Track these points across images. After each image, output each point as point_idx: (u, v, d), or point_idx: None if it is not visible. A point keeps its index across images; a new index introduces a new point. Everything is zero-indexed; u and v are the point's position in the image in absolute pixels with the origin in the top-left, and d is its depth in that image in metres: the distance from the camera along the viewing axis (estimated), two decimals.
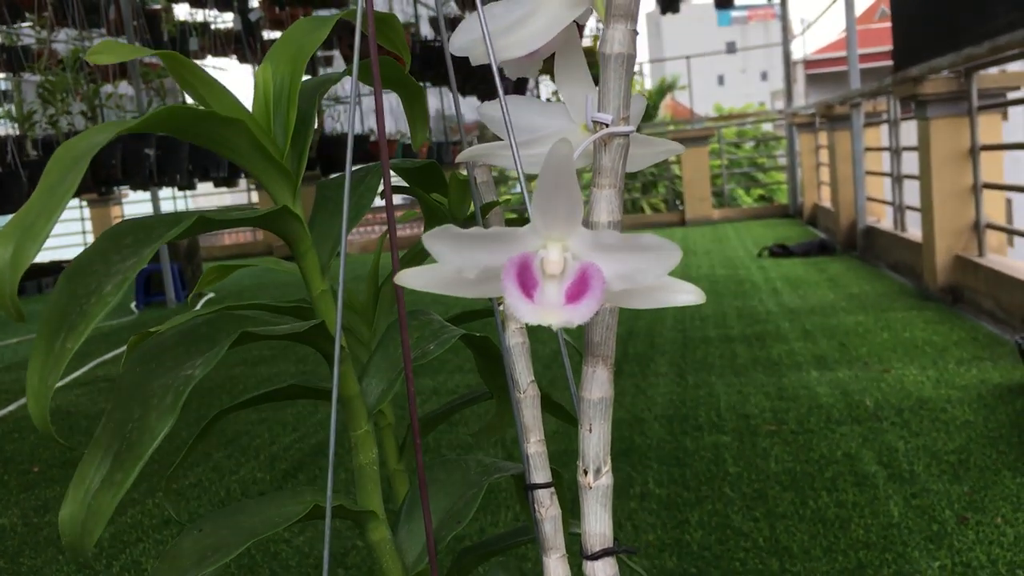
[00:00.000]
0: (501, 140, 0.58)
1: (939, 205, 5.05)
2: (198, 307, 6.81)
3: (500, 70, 0.55)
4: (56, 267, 9.85)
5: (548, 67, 0.62)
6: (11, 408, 4.39)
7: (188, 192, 9.21)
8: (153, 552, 2.59)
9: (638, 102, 0.55)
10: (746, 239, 9.11)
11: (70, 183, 0.45)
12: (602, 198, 0.50)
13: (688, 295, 0.46)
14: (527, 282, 0.43)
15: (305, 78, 0.67)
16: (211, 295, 7.94)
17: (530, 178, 0.58)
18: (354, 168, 0.68)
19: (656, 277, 0.43)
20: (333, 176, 0.72)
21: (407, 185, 0.73)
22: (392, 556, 0.66)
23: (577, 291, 0.43)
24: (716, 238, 9.54)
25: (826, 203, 8.97)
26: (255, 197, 12.53)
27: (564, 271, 0.44)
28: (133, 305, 7.77)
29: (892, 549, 2.21)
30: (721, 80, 37.29)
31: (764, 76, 36.62)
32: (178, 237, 0.51)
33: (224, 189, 11.07)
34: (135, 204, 12.11)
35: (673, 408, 3.48)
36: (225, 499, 2.96)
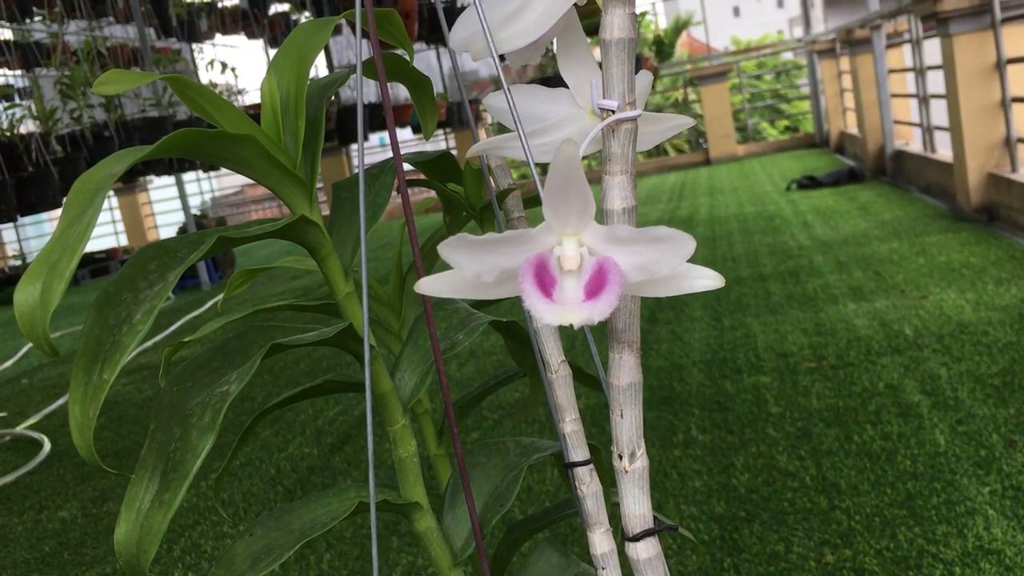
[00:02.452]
0: (509, 132, 0.58)
1: (968, 123, 4.95)
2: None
3: (502, 59, 0.55)
4: (89, 259, 9.98)
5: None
6: (60, 402, 4.48)
7: (211, 173, 9.26)
8: (211, 534, 2.65)
9: (643, 79, 0.55)
10: (773, 173, 9.00)
11: (90, 216, 0.46)
12: (615, 185, 0.50)
13: (707, 280, 0.46)
14: (545, 281, 0.44)
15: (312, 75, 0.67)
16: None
17: (541, 167, 0.58)
18: (367, 165, 0.68)
19: (672, 267, 0.43)
20: (348, 177, 0.72)
21: (423, 177, 0.73)
22: (440, 543, 0.67)
23: (596, 286, 0.43)
24: (742, 174, 9.44)
25: (852, 130, 8.83)
26: None
27: (581, 266, 0.44)
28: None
29: (940, 478, 2.21)
30: (736, 11, 36.59)
31: (780, 3, 35.88)
32: (200, 258, 0.52)
33: None
34: (161, 189, 12.20)
35: (711, 352, 3.48)
36: (276, 476, 3.01)
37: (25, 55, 7.11)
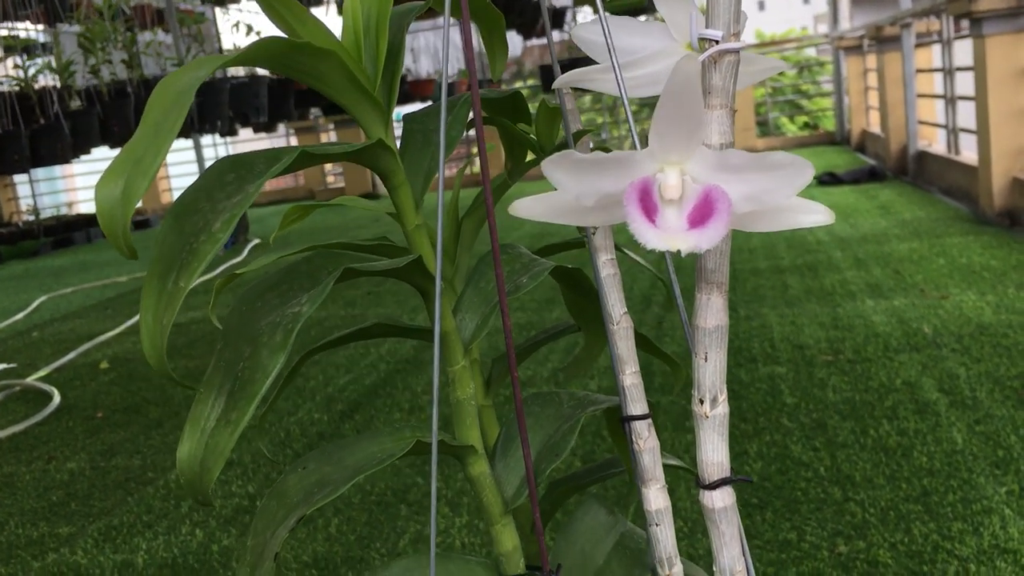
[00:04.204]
0: (597, 64, 0.56)
1: (995, 126, 4.91)
2: (243, 254, 6.84)
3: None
4: None
5: None
6: (71, 356, 4.49)
7: (229, 139, 9.24)
8: (219, 492, 2.65)
9: (744, 17, 0.53)
10: None
11: (175, 118, 0.44)
12: (714, 119, 0.48)
13: (818, 215, 0.44)
14: (649, 207, 0.42)
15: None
16: (257, 240, 8.02)
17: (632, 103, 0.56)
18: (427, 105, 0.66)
19: (786, 197, 0.42)
20: (420, 109, 0.70)
21: (489, 116, 0.71)
22: (492, 490, 0.66)
23: (701, 215, 0.42)
24: None
25: (875, 128, 8.77)
26: (294, 142, 12.55)
27: (684, 195, 0.42)
28: None
29: (957, 476, 2.19)
30: (761, 5, 36.35)
31: None
32: (280, 172, 0.50)
33: (263, 135, 11.11)
34: (177, 152, 12.18)
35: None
36: (285, 439, 3.01)
37: (48, 10, 7.08)
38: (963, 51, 5.68)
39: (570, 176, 0.42)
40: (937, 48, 6.53)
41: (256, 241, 7.99)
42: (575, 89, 0.63)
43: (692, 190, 0.42)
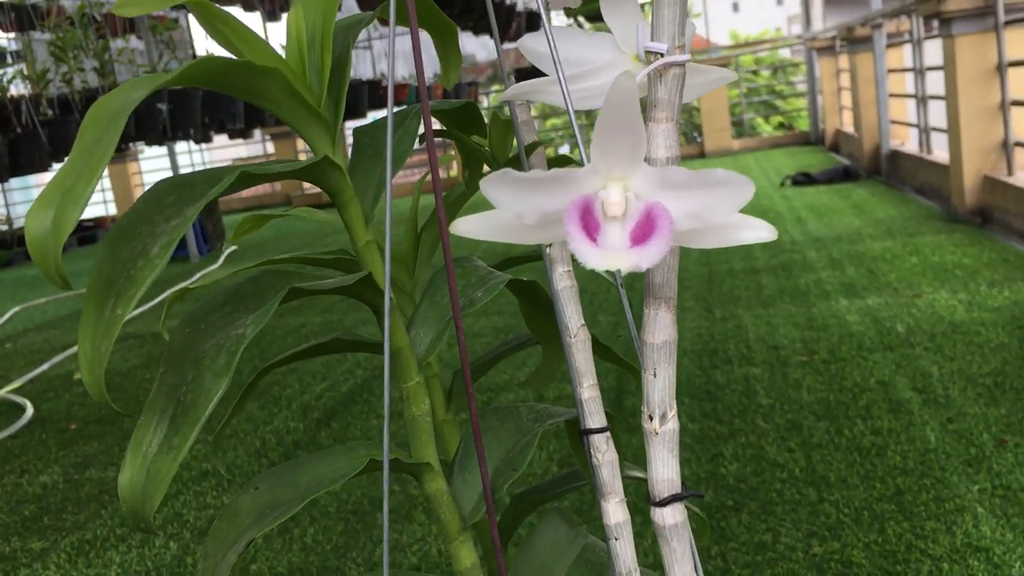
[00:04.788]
0: (546, 76, 0.55)
1: (966, 125, 4.95)
2: (220, 261, 6.81)
3: (546, 3, 0.53)
4: (77, 226, 9.88)
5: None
6: (44, 368, 4.44)
7: (204, 145, 9.18)
8: (194, 504, 2.63)
9: (690, 27, 0.52)
10: (768, 168, 9.00)
11: (107, 143, 0.43)
12: (659, 132, 0.47)
13: (760, 231, 0.44)
14: (590, 225, 0.41)
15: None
16: (234, 248, 7.97)
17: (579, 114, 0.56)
18: (394, 110, 0.66)
19: (727, 214, 0.41)
20: (371, 122, 0.69)
21: (444, 128, 0.71)
22: (449, 506, 0.65)
23: (643, 232, 0.41)
24: (737, 168, 9.39)
25: (848, 128, 8.83)
26: (270, 148, 12.49)
27: (627, 212, 0.42)
28: None
29: (930, 474, 2.20)
30: (736, 7, 36.54)
31: (779, 0, 35.83)
32: (222, 193, 0.49)
33: (239, 141, 11.04)
34: (152, 159, 12.10)
35: (702, 342, 3.47)
36: (261, 449, 2.99)
37: (20, 17, 7.01)
38: (933, 51, 5.73)
39: (510, 195, 0.41)
40: (908, 48, 6.59)
41: (233, 248, 7.94)
42: None
43: (634, 207, 0.42)
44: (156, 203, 0.49)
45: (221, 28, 0.53)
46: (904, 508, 2.07)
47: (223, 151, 14.23)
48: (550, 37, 0.51)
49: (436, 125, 0.74)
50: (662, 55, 0.46)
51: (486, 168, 0.71)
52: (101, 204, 11.72)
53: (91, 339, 0.45)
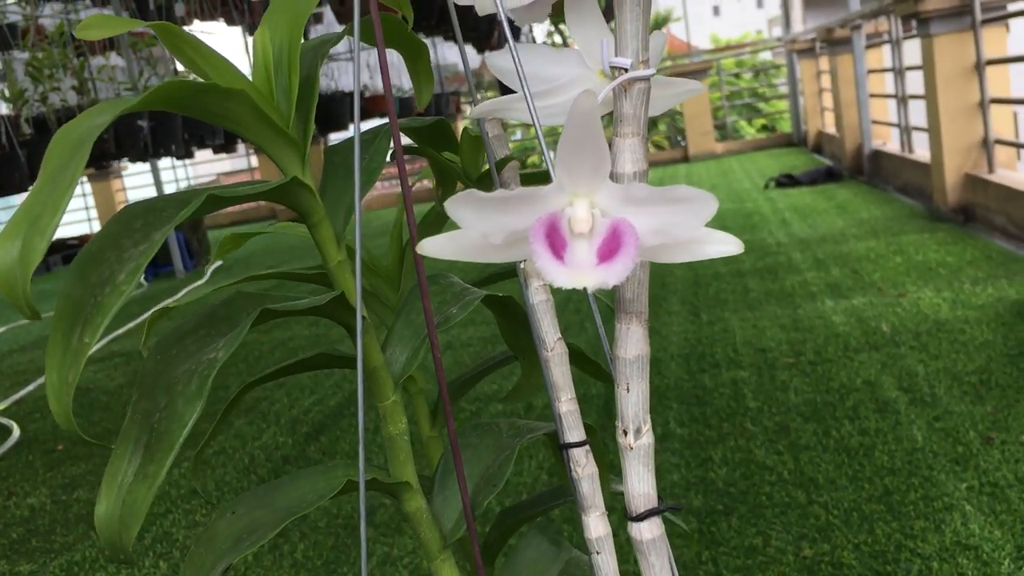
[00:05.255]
0: (511, 92, 0.55)
1: (946, 123, 4.98)
2: (206, 276, 6.78)
3: (509, 20, 0.53)
4: (61, 245, 9.83)
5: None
6: (30, 388, 4.41)
7: (187, 161, 9.15)
8: (183, 522, 2.61)
9: (657, 39, 0.52)
10: (751, 171, 9.03)
11: (73, 170, 0.43)
12: (626, 148, 0.47)
13: (727, 245, 0.44)
14: (556, 243, 0.41)
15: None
16: (219, 263, 7.94)
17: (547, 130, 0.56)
18: (361, 131, 0.66)
19: (692, 230, 0.41)
20: (342, 140, 0.69)
21: (415, 145, 0.71)
22: (429, 525, 0.65)
23: (609, 249, 0.41)
24: (721, 172, 9.47)
25: (830, 129, 8.87)
26: (254, 161, 12.46)
27: (593, 229, 0.42)
28: (142, 277, 7.78)
29: (918, 473, 2.21)
30: (716, 10, 36.71)
31: (759, 2, 36.03)
32: (189, 217, 0.49)
33: (223, 155, 11.01)
34: (136, 176, 12.06)
35: (689, 347, 3.48)
36: (249, 465, 2.98)
37: None
38: (912, 51, 5.76)
39: (474, 215, 0.41)
40: (887, 48, 6.63)
41: (218, 263, 7.91)
42: None
43: (601, 223, 0.42)
44: (125, 227, 0.48)
45: (186, 50, 0.53)
46: (893, 508, 2.07)
47: (207, 166, 14.19)
48: (515, 54, 0.51)
49: (407, 142, 0.74)
50: (627, 70, 0.46)
51: (460, 185, 0.71)
52: (85, 222, 11.66)
53: (58, 368, 0.45)
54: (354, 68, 0.51)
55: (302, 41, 0.57)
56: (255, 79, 0.56)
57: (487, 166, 0.69)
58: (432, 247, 0.44)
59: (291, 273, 0.70)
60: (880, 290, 3.86)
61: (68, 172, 0.43)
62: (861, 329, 3.36)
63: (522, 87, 0.51)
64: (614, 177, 0.48)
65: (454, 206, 0.41)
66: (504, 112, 0.54)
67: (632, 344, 0.48)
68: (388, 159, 0.71)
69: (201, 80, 0.51)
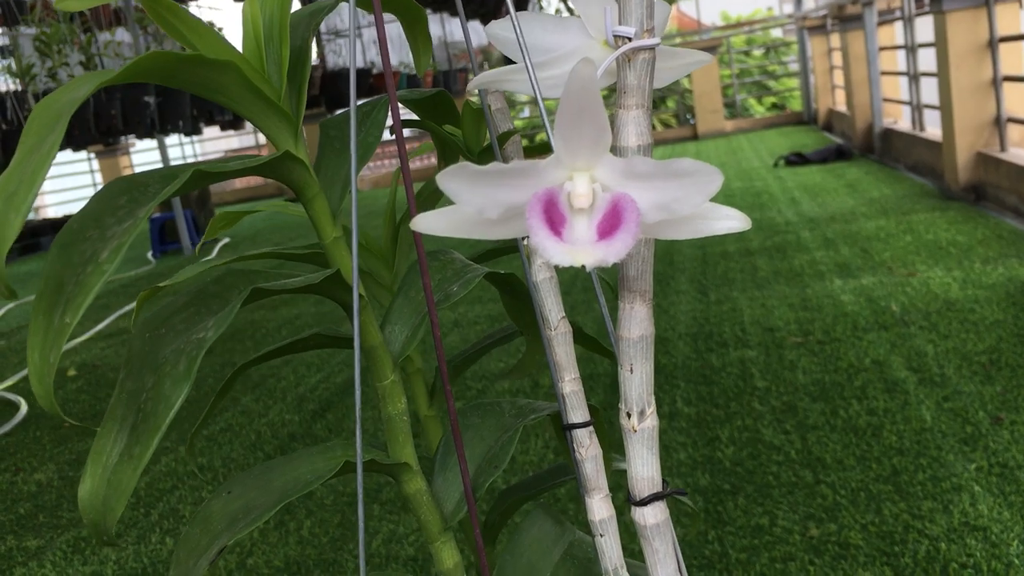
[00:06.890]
0: (513, 63, 0.53)
1: (958, 101, 4.93)
2: (215, 253, 6.79)
3: None
4: (63, 223, 9.84)
5: None
6: None
7: (195, 137, 9.14)
8: (189, 499, 2.62)
9: (662, 9, 0.50)
10: (761, 149, 8.97)
11: (50, 144, 0.41)
12: (630, 120, 0.46)
13: (732, 221, 0.42)
14: (555, 219, 0.40)
15: (296, 7, 0.62)
16: (227, 240, 7.94)
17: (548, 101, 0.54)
18: (359, 103, 0.64)
19: (695, 205, 0.39)
20: (337, 113, 0.67)
21: (416, 118, 0.69)
22: (430, 507, 0.63)
23: (610, 225, 0.39)
24: (730, 150, 9.41)
25: (841, 107, 8.80)
26: (263, 139, 12.44)
27: (593, 204, 0.40)
28: (150, 254, 7.78)
29: (926, 454, 2.19)
30: None
31: None
32: (175, 192, 0.47)
33: (231, 132, 10.98)
34: (143, 153, 12.05)
35: (697, 325, 3.46)
36: (256, 442, 2.98)
37: (5, 12, 6.96)
38: (925, 27, 5.69)
39: (469, 189, 0.39)
40: (899, 25, 6.56)
41: (226, 240, 7.91)
42: None
43: (601, 199, 0.40)
44: (109, 204, 0.47)
45: (171, 20, 0.51)
46: (901, 488, 2.06)
47: (214, 143, 14.18)
48: (516, 23, 0.49)
49: (408, 115, 0.72)
50: (630, 39, 0.44)
51: (461, 158, 0.69)
52: None
53: (40, 349, 0.44)
54: (349, 36, 0.49)
55: (295, 9, 0.55)
56: (245, 50, 0.54)
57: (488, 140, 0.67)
58: (425, 223, 0.43)
59: (285, 253, 0.69)
60: (890, 269, 3.83)
61: (45, 147, 0.41)
62: (870, 309, 3.33)
63: (523, 56, 0.49)
64: (617, 151, 0.46)
65: (447, 180, 0.39)
66: (504, 83, 0.52)
67: (636, 324, 0.47)
68: (387, 134, 0.69)
69: (188, 52, 0.49)
